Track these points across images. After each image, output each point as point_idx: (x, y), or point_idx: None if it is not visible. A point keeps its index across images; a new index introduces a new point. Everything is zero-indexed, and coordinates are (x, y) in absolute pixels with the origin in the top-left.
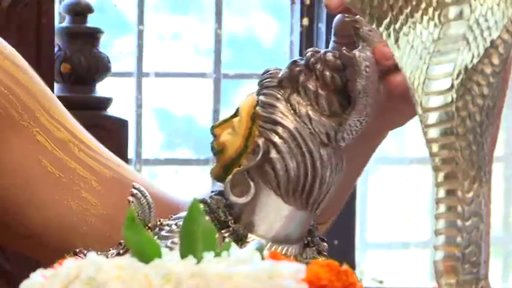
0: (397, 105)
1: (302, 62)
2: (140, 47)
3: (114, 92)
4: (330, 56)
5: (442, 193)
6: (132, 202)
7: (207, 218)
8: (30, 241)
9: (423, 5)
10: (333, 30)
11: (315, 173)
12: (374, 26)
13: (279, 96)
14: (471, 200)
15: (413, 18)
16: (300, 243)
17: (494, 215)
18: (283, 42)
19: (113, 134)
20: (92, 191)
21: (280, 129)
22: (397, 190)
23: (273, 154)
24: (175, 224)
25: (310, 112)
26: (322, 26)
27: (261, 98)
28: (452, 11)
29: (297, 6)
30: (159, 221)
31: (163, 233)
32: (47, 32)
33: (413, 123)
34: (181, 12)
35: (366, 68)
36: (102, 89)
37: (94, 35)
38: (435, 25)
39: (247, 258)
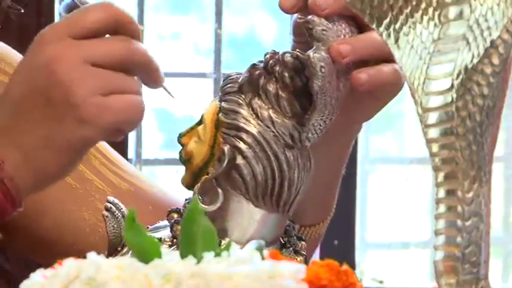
0: (362, 100)
1: (261, 65)
2: None
3: None
4: (288, 57)
5: (442, 193)
6: (107, 217)
7: (179, 227)
8: (43, 248)
9: (423, 5)
10: (291, 30)
11: (282, 175)
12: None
13: (240, 101)
14: (471, 200)
15: (413, 18)
16: (275, 244)
17: (494, 215)
18: (283, 42)
19: None
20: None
21: (244, 135)
22: (397, 190)
23: (239, 160)
24: (159, 239)
25: (272, 115)
26: None
27: (223, 104)
28: (452, 11)
29: None
30: None
31: None
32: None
33: (413, 123)
34: (181, 12)
35: (321, 69)
36: None
37: None
38: (435, 25)
39: (247, 258)
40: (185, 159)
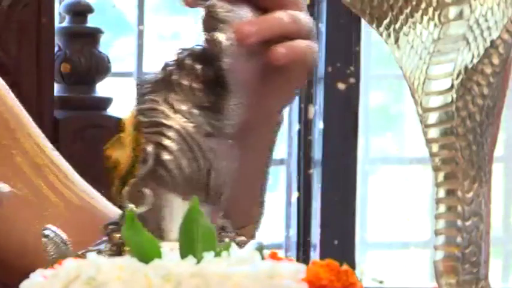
0: (274, 84)
1: (173, 63)
2: (140, 47)
3: (114, 92)
4: (197, 48)
5: (442, 193)
6: (46, 243)
7: (117, 235)
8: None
9: (423, 5)
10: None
11: (208, 165)
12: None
13: (157, 99)
14: (471, 200)
15: (413, 18)
16: None
17: (494, 215)
18: None
19: (113, 134)
20: (59, 217)
21: (165, 130)
22: (397, 190)
23: (164, 156)
24: (98, 251)
25: (189, 107)
26: (322, 26)
27: (140, 106)
28: (452, 11)
29: None
30: (82, 253)
31: None
32: (47, 32)
33: (413, 123)
34: (181, 12)
35: (227, 46)
36: (102, 89)
37: (94, 35)
38: (435, 25)
39: (247, 258)
40: (111, 168)
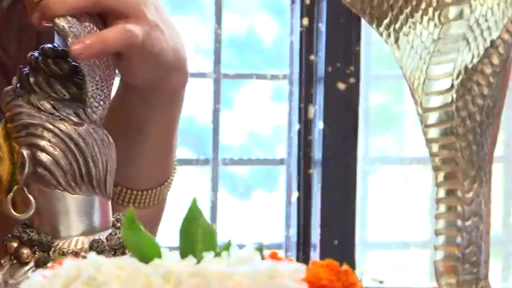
0: (127, 64)
1: (26, 68)
2: None
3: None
4: (46, 47)
5: (442, 193)
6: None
7: (15, 244)
8: None
9: (423, 5)
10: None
11: (83, 154)
12: (374, 26)
13: (19, 103)
14: (471, 200)
15: (413, 18)
16: (108, 229)
17: (494, 215)
18: (283, 42)
19: None
20: None
21: (34, 129)
22: (397, 190)
23: (39, 155)
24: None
25: (52, 103)
26: (322, 26)
27: (7, 114)
28: (452, 11)
29: (297, 6)
30: None
31: None
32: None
33: (414, 123)
34: (181, 12)
35: (70, 30)
36: None
37: None
38: (435, 25)
39: (247, 258)
40: None
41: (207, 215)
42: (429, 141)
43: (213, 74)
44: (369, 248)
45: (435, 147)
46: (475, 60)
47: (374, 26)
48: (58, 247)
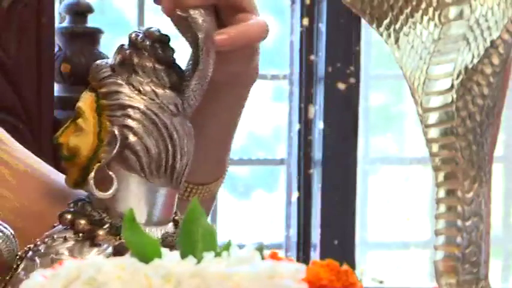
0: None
1: (126, 46)
2: None
3: None
4: (153, 31)
5: (442, 193)
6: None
7: (84, 221)
8: None
9: (423, 5)
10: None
11: (174, 145)
12: (374, 26)
13: (119, 81)
14: (471, 200)
15: (414, 18)
16: (169, 222)
17: (494, 215)
18: (283, 42)
19: None
20: (5, 184)
21: (131, 112)
22: (397, 190)
23: (131, 138)
24: (52, 238)
25: (154, 88)
26: (322, 26)
27: (101, 90)
28: (453, 11)
29: (297, 6)
30: (42, 240)
31: (42, 250)
32: (47, 32)
33: (414, 123)
34: None
35: (202, 22)
36: None
37: (94, 35)
38: (435, 25)
39: (247, 258)
40: (69, 156)
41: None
42: (429, 141)
43: None
44: (369, 248)
45: (435, 147)
46: (475, 60)
47: (374, 26)
48: None
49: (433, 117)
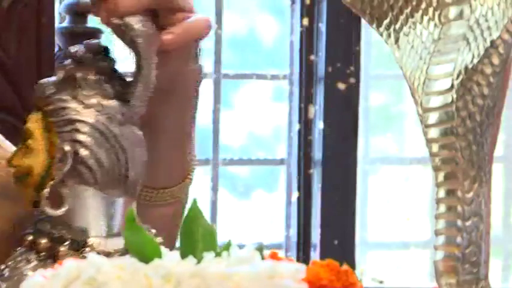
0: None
1: (66, 62)
2: None
3: None
4: (90, 43)
5: (442, 193)
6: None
7: (45, 240)
8: None
9: (423, 5)
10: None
11: (125, 154)
12: (374, 26)
13: (64, 97)
14: (471, 200)
15: (414, 18)
16: None
17: (494, 215)
18: (283, 42)
19: None
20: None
21: (79, 126)
22: (397, 190)
23: (82, 152)
24: (15, 261)
25: (99, 100)
26: (322, 26)
27: (48, 108)
28: (453, 11)
29: (297, 6)
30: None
31: (6, 274)
32: (47, 32)
33: (414, 123)
34: None
35: (140, 27)
36: None
37: (94, 35)
38: (435, 25)
39: (247, 258)
40: (23, 176)
41: (207, 215)
42: (429, 141)
43: (213, 74)
44: (369, 248)
45: (435, 147)
46: (475, 60)
47: (374, 26)
48: (89, 247)
49: (433, 117)
